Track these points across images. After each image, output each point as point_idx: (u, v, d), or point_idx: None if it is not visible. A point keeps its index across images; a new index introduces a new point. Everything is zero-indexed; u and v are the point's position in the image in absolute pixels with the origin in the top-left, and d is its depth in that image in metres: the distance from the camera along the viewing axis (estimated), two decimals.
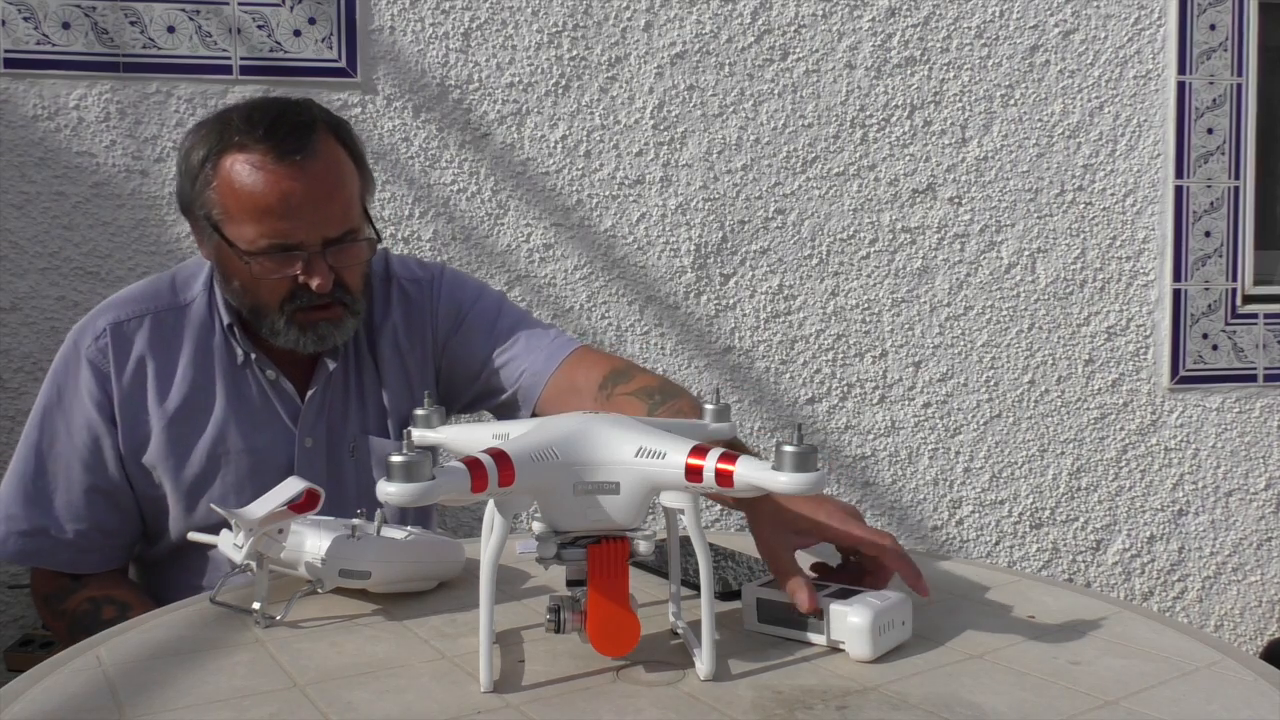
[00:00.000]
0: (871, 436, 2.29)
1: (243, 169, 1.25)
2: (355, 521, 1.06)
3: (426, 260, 1.55)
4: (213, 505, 1.03)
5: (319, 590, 1.03)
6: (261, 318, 1.32)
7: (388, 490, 0.78)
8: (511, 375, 1.42)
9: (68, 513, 1.34)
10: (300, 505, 1.01)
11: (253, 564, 1.02)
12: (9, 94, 1.90)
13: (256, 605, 1.00)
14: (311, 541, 1.03)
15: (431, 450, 0.88)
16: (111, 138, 1.93)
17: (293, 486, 1.01)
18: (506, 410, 1.44)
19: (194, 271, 1.41)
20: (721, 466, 0.82)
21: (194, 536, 1.12)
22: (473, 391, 1.47)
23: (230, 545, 1.02)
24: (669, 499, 0.89)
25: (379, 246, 1.40)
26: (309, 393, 1.38)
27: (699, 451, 0.84)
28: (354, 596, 1.07)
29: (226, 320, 1.36)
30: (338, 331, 1.33)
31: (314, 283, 1.28)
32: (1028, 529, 2.38)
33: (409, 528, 1.11)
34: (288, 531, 1.03)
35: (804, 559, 0.99)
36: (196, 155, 1.29)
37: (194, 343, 1.36)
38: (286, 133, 1.26)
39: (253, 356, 1.36)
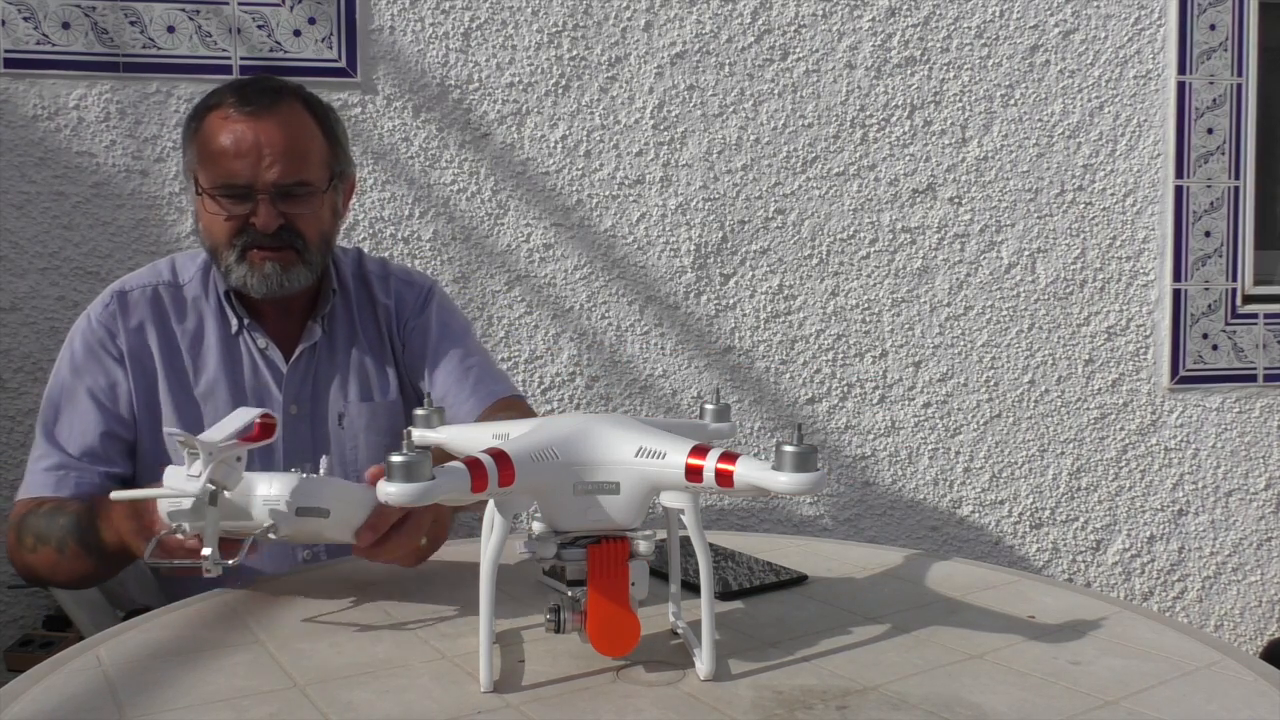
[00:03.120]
0: (871, 436, 2.29)
1: (213, 122, 1.42)
2: (308, 466, 1.04)
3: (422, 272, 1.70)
4: (167, 430, 1.01)
5: (273, 535, 0.99)
6: (218, 255, 1.44)
7: (388, 490, 0.78)
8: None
9: (90, 458, 1.42)
10: (255, 436, 0.98)
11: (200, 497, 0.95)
12: (9, 94, 1.89)
13: (208, 551, 0.94)
14: (264, 486, 1.00)
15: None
16: (111, 138, 1.93)
17: (244, 415, 0.98)
18: None
19: (190, 257, 1.54)
20: (721, 466, 0.82)
21: (118, 495, 1.07)
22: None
23: (182, 478, 0.96)
24: (669, 499, 0.89)
25: (376, 256, 1.52)
26: (292, 358, 1.49)
27: (699, 451, 0.84)
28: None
29: (223, 288, 1.47)
30: (286, 276, 1.43)
31: (258, 220, 1.40)
32: (1028, 529, 2.38)
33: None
34: (245, 460, 0.99)
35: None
36: (188, 122, 1.46)
37: (191, 315, 1.49)
38: (253, 92, 1.42)
39: (245, 322, 1.47)
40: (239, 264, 1.41)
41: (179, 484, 0.96)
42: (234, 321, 1.47)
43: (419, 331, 1.56)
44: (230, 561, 0.96)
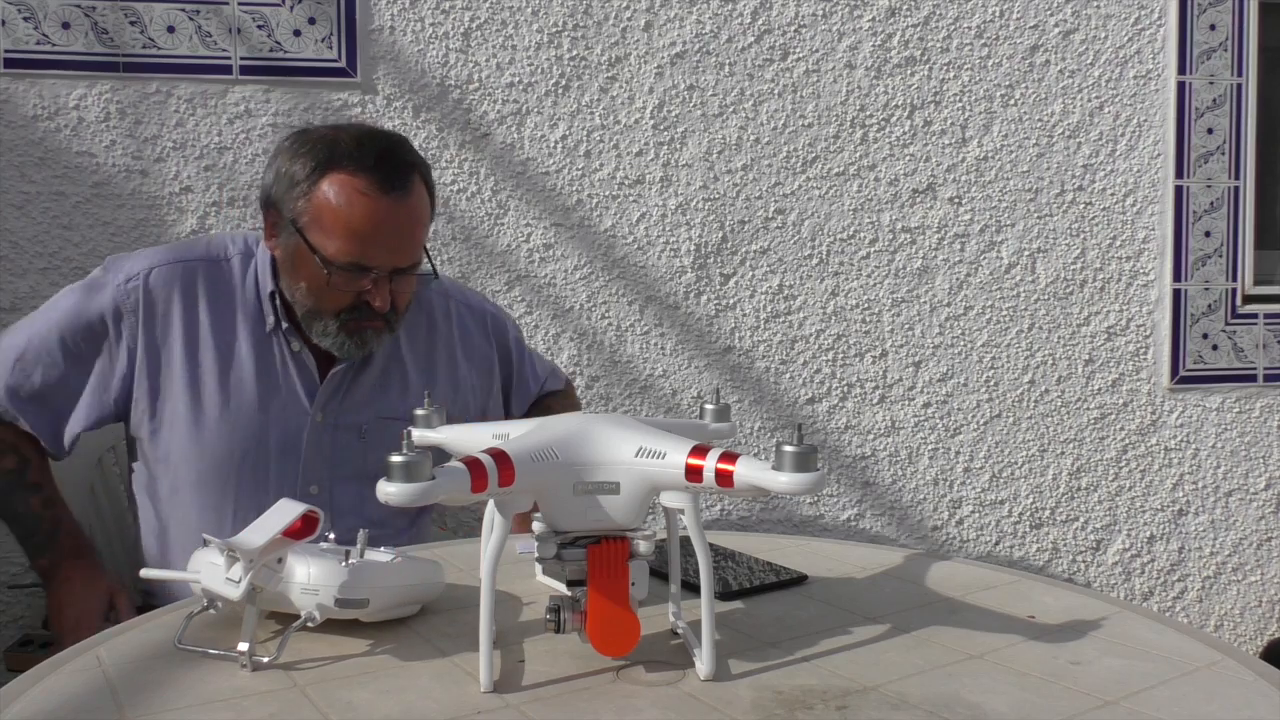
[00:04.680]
0: (871, 436, 2.29)
1: (347, 190, 1.37)
2: (347, 548, 1.00)
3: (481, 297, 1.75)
4: (205, 536, 0.98)
5: (310, 625, 0.95)
6: (315, 319, 1.43)
7: (388, 490, 0.78)
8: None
9: (41, 396, 1.43)
10: (297, 531, 0.95)
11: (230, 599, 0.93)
12: (9, 94, 1.89)
13: (244, 646, 0.91)
14: (301, 570, 0.95)
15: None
16: (111, 138, 1.93)
17: (288, 511, 0.94)
18: None
19: (225, 241, 1.52)
20: (721, 466, 0.82)
21: (147, 574, 1.03)
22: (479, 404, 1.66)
23: (222, 581, 0.93)
24: (669, 499, 0.89)
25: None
26: (333, 370, 1.48)
27: (699, 451, 0.84)
28: (343, 622, 1.02)
29: (270, 288, 1.46)
30: (376, 341, 1.46)
31: (376, 303, 1.40)
32: (1028, 529, 2.38)
33: (383, 548, 1.04)
34: (286, 561, 0.95)
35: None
36: (301, 165, 1.40)
37: (223, 299, 1.47)
38: (392, 169, 1.39)
39: (284, 325, 1.46)
40: (339, 333, 1.42)
41: (216, 585, 0.94)
42: (270, 320, 1.46)
43: (516, 347, 1.66)
44: (266, 660, 0.92)
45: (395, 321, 1.46)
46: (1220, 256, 2.43)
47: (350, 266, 1.38)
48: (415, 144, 2.02)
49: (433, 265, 1.49)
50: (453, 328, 1.59)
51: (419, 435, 1.07)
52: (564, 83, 2.10)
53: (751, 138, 2.19)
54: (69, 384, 1.44)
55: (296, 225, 1.40)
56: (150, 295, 1.44)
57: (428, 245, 1.48)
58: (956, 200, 2.29)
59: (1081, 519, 2.41)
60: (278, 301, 1.46)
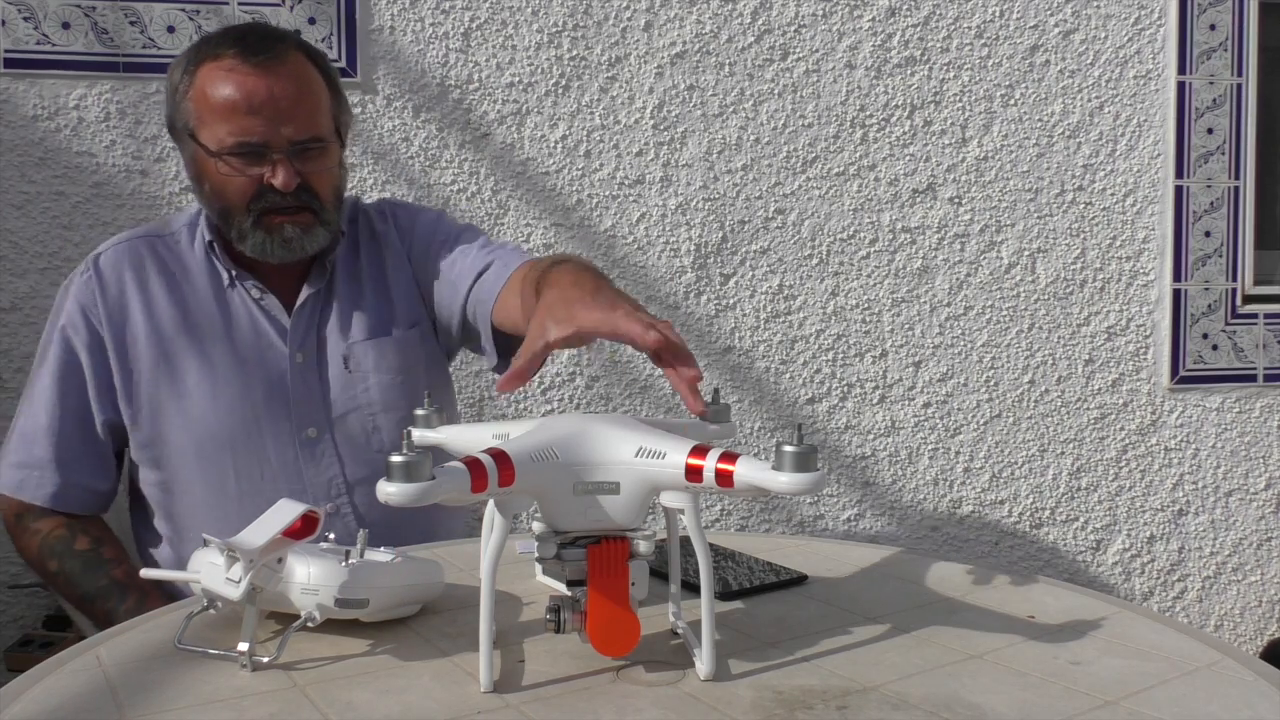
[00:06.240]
0: (871, 436, 2.29)
1: (214, 74, 1.33)
2: (347, 548, 1.00)
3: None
4: (205, 536, 0.96)
5: (310, 625, 0.95)
6: (230, 220, 1.36)
7: (388, 490, 0.78)
8: (464, 291, 1.48)
9: (51, 447, 1.40)
10: (297, 531, 0.95)
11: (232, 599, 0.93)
12: (9, 94, 1.89)
13: (244, 646, 0.91)
14: (301, 570, 0.95)
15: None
16: (111, 138, 1.93)
17: (288, 511, 0.95)
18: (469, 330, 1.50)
19: (173, 216, 1.50)
20: (721, 466, 0.82)
21: (147, 573, 1.03)
22: (443, 309, 1.51)
23: (223, 581, 0.93)
24: (669, 499, 0.89)
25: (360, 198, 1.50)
26: (296, 305, 1.43)
27: (699, 451, 0.84)
28: (343, 622, 1.03)
29: (208, 238, 1.41)
30: (306, 238, 1.38)
31: (278, 180, 1.32)
32: (1028, 529, 2.38)
33: (383, 548, 1.04)
34: (286, 561, 0.95)
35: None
36: (179, 71, 1.37)
37: (174, 266, 1.43)
38: (255, 39, 1.34)
39: (233, 273, 1.41)
40: (255, 230, 1.35)
41: (216, 585, 0.94)
42: (224, 274, 1.41)
43: (424, 228, 1.52)
44: (266, 660, 0.92)
45: (323, 211, 1.37)
46: (1220, 256, 2.43)
47: (237, 149, 1.32)
48: (415, 144, 2.04)
49: (341, 139, 1.41)
50: (390, 229, 1.53)
51: (419, 435, 1.07)
52: (564, 83, 2.10)
53: (751, 138, 2.19)
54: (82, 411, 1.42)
55: (189, 132, 1.35)
56: (103, 280, 1.41)
57: (342, 129, 1.41)
58: (956, 200, 2.29)
59: (1081, 519, 2.41)
60: (217, 249, 1.41)
